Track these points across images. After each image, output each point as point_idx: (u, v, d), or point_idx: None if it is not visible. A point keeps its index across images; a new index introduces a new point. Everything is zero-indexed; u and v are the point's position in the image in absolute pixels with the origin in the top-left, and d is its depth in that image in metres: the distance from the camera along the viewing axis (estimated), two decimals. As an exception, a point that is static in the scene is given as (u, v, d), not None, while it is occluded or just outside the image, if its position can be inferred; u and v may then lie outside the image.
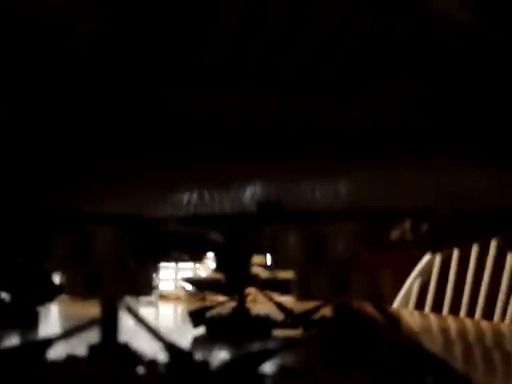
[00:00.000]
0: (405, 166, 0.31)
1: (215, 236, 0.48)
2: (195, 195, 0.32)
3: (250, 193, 0.30)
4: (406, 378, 0.32)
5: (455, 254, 1.47)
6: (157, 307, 1.52)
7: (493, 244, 1.36)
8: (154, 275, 0.41)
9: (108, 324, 0.38)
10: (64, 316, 1.19)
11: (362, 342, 0.36)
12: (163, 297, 1.87)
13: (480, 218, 0.44)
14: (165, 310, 1.44)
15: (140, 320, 0.38)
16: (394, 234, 0.40)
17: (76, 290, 0.37)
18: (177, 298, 1.78)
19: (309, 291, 0.33)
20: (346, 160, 0.30)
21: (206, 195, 0.32)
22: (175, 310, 1.44)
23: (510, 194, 0.31)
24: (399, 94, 0.26)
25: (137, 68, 0.26)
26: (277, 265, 0.35)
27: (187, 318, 0.82)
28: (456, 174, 0.31)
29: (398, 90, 0.26)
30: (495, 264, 1.37)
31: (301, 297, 0.33)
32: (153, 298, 1.85)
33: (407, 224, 0.35)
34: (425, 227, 0.37)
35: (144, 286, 0.39)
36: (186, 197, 0.32)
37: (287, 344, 0.36)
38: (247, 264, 0.77)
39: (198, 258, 0.79)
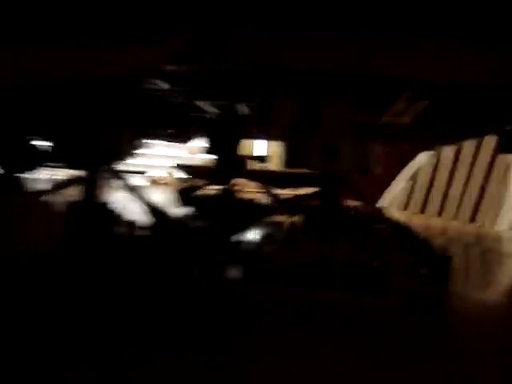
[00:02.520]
0: (408, 37, 0.30)
1: (205, 107, 0.46)
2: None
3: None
4: (388, 252, 0.32)
5: (445, 158, 1.47)
6: (148, 191, 1.52)
7: (484, 148, 1.35)
8: (137, 141, 0.40)
9: (90, 184, 0.37)
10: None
11: (346, 220, 0.35)
12: (154, 182, 1.88)
13: (474, 110, 0.43)
14: (156, 194, 1.45)
15: (126, 185, 0.38)
16: (390, 112, 0.38)
17: (64, 156, 0.36)
18: (168, 183, 1.78)
19: (298, 159, 0.32)
20: (353, 23, 0.28)
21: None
22: (166, 193, 1.45)
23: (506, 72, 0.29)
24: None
25: None
26: (269, 134, 0.33)
27: (177, 200, 0.82)
28: (460, 48, 0.30)
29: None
30: (484, 170, 1.37)
31: (290, 165, 0.33)
32: (144, 182, 1.86)
33: (404, 97, 0.33)
34: (421, 105, 0.35)
35: (125, 150, 0.38)
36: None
37: (270, 213, 0.35)
38: (235, 147, 0.76)
39: (186, 136, 0.78)
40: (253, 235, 0.37)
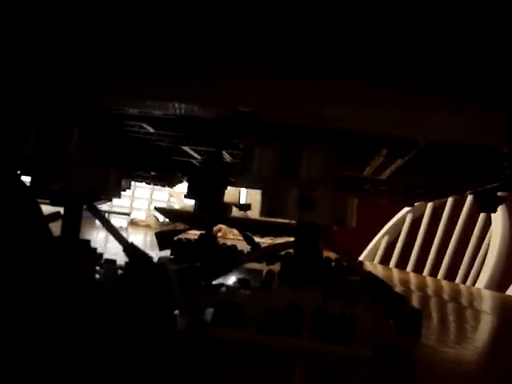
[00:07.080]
0: (390, 95, 0.31)
1: (191, 153, 0.47)
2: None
3: (229, 99, 0.30)
4: (357, 301, 0.32)
5: (426, 214, 1.48)
6: (127, 232, 1.52)
7: (465, 206, 1.37)
8: (122, 180, 0.40)
9: (70, 219, 0.37)
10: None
11: (320, 270, 0.36)
12: (134, 223, 1.87)
13: (453, 167, 0.44)
14: (134, 236, 1.44)
15: (103, 220, 0.38)
16: (371, 167, 0.40)
17: (45, 181, 0.36)
18: (147, 226, 1.78)
19: (275, 209, 0.33)
20: (333, 80, 0.29)
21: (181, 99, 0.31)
22: (144, 236, 1.45)
23: (489, 133, 0.30)
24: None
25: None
26: (247, 181, 0.34)
27: (155, 243, 0.82)
28: (437, 108, 0.31)
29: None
30: (464, 228, 1.38)
31: (266, 214, 0.33)
32: (124, 223, 1.85)
33: (383, 153, 0.34)
34: (400, 162, 0.37)
35: (111, 187, 0.38)
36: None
37: (246, 260, 0.36)
38: (220, 192, 0.76)
39: (171, 179, 0.78)
40: (230, 281, 0.38)
